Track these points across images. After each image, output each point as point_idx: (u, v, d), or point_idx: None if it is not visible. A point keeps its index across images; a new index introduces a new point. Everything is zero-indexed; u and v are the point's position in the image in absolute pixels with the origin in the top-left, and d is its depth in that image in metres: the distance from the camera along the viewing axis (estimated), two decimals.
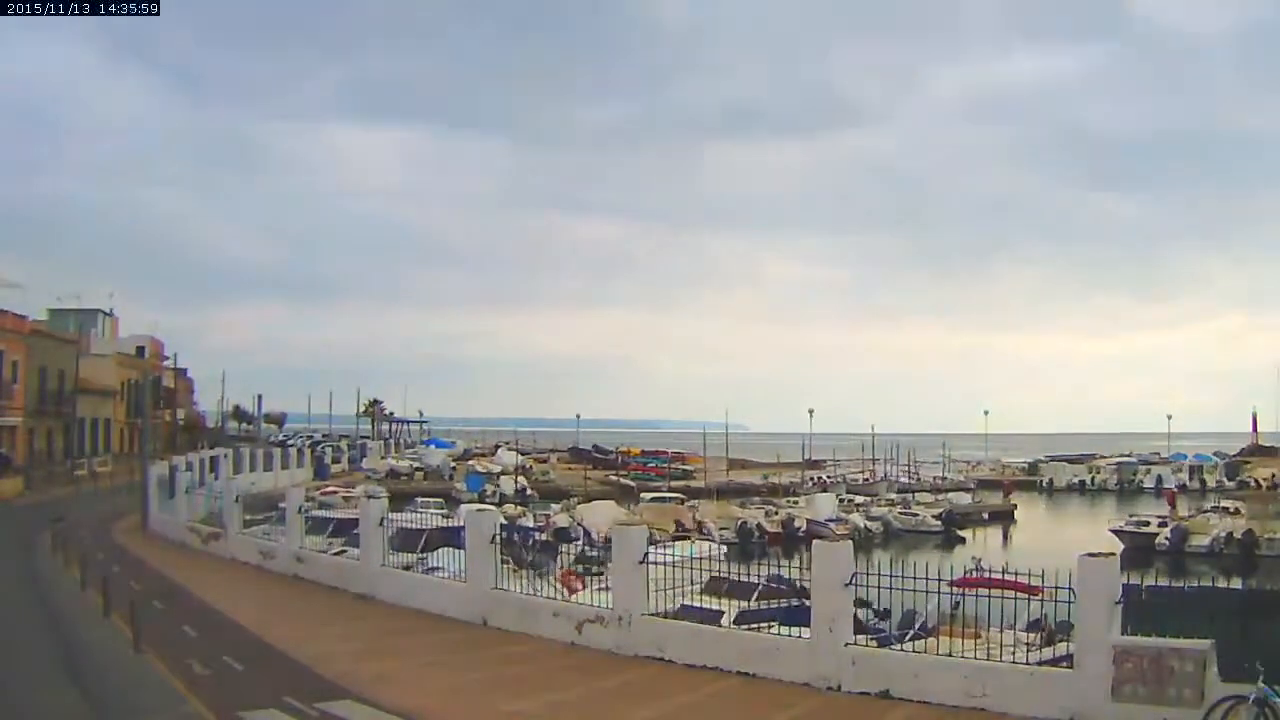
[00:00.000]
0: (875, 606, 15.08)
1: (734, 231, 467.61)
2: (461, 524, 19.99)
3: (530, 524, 32.52)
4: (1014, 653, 12.31)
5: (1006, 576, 14.03)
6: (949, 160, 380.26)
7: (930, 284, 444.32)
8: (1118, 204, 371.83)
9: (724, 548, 31.53)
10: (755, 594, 17.51)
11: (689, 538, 33.65)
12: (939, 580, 12.94)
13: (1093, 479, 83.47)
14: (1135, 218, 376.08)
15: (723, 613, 16.11)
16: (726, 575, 17.60)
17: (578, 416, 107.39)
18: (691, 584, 16.57)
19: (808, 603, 15.01)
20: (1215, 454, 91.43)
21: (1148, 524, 48.69)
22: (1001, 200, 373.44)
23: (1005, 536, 56.80)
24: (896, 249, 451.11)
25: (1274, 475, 74.92)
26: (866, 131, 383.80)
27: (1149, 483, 79.44)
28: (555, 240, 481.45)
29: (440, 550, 21.31)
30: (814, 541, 15.37)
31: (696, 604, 16.21)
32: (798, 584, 16.50)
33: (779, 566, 16.15)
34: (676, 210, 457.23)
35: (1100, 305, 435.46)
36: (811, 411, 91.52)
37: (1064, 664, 11.96)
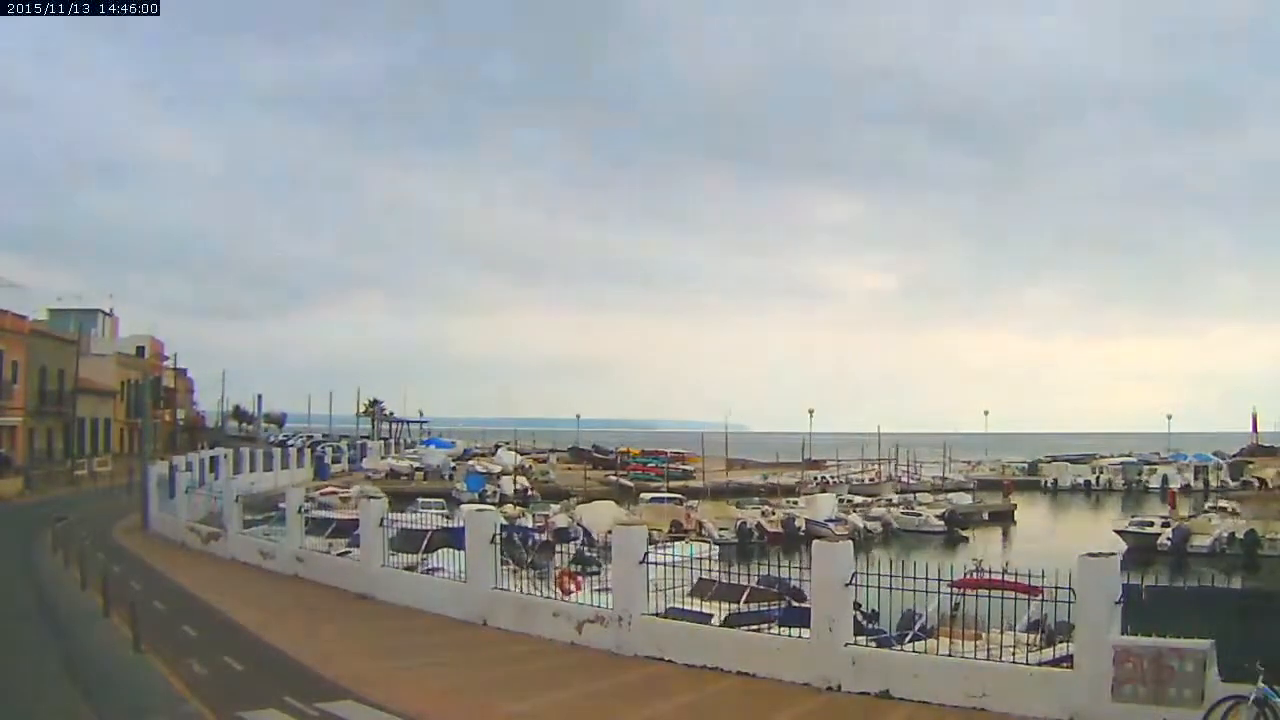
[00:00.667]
0: (864, 608, 14.99)
1: (744, 235, 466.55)
2: (462, 524, 19.99)
3: (530, 524, 32.50)
4: (1014, 653, 12.29)
5: (1006, 577, 14.01)
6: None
7: (936, 290, 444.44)
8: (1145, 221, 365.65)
9: (717, 548, 31.51)
10: (744, 596, 17.45)
11: (684, 538, 33.65)
12: (939, 581, 12.94)
13: (1097, 479, 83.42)
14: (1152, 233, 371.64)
15: (711, 615, 16.04)
16: (715, 578, 17.47)
17: (578, 416, 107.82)
18: (681, 585, 16.50)
19: (800, 604, 15.00)
20: (1215, 454, 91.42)
21: (1150, 524, 48.74)
22: (1027, 219, 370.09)
23: (1005, 536, 56.83)
24: (916, 261, 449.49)
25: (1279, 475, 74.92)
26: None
27: (1155, 483, 79.39)
28: (558, 243, 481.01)
29: (441, 550, 21.32)
30: (814, 541, 15.37)
31: (683, 606, 16.13)
32: (792, 585, 16.47)
33: (777, 567, 16.07)
34: (686, 215, 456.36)
35: (1101, 309, 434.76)
36: (812, 411, 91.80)
37: (1064, 664, 11.93)
